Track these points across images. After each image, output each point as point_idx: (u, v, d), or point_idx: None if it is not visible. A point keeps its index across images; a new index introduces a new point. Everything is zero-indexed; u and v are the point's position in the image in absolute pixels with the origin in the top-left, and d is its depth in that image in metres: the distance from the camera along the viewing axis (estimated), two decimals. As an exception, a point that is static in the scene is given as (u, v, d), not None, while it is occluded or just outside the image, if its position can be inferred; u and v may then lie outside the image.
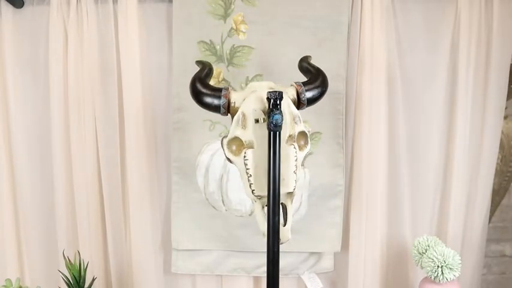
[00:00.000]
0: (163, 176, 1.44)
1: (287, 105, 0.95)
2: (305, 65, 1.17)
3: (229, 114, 1.00)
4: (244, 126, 0.94)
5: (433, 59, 1.37)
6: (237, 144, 0.95)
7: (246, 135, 0.94)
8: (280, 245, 0.95)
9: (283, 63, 1.33)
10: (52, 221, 1.44)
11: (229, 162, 0.99)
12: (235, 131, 0.95)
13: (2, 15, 1.36)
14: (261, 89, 0.96)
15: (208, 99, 0.98)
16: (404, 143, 1.40)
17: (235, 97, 0.98)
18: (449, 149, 1.40)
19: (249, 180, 0.93)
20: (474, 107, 1.37)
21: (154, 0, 1.35)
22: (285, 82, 1.34)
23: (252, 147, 0.93)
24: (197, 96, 1.00)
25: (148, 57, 1.37)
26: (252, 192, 0.94)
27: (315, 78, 1.08)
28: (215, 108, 0.99)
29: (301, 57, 1.21)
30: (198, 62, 1.21)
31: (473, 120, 1.37)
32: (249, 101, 0.95)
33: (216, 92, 0.99)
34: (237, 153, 0.95)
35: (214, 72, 1.35)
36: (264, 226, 0.94)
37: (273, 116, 0.88)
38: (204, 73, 1.09)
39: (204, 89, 1.00)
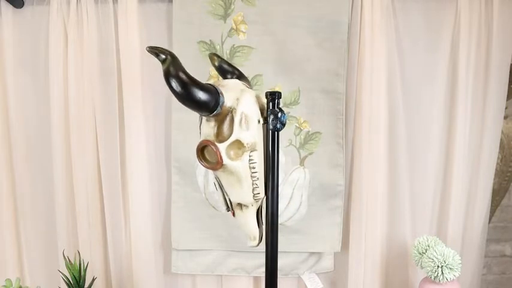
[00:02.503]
0: (163, 176, 1.44)
1: None
2: (225, 64, 1.01)
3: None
4: (247, 128, 0.87)
5: (433, 59, 1.36)
6: (237, 148, 0.87)
7: (249, 136, 0.87)
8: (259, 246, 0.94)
9: (283, 63, 1.33)
10: (52, 221, 1.44)
11: (209, 169, 0.87)
12: (238, 133, 0.86)
13: (2, 15, 1.36)
14: (244, 88, 0.92)
15: (207, 97, 0.81)
16: (404, 143, 1.40)
17: (225, 95, 0.86)
18: (449, 149, 1.40)
19: (253, 184, 0.88)
20: (474, 107, 1.36)
21: (154, 0, 1.35)
22: (285, 82, 1.35)
23: (255, 149, 0.88)
24: (193, 93, 0.79)
25: (149, 57, 1.37)
26: (255, 196, 0.89)
27: (244, 77, 1.01)
28: (211, 108, 0.83)
29: (211, 53, 1.02)
30: (154, 49, 0.82)
31: (473, 120, 1.37)
32: (248, 100, 0.88)
33: (212, 89, 0.83)
34: (237, 157, 0.87)
35: (214, 72, 1.35)
36: (256, 230, 0.93)
37: (283, 116, 0.88)
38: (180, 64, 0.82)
39: (199, 86, 0.80)
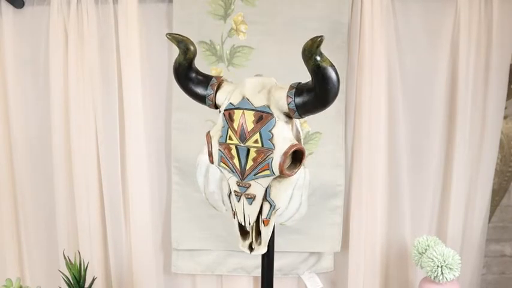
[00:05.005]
0: (163, 176, 1.44)
1: None
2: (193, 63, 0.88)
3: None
4: None
5: (433, 59, 1.37)
6: None
7: None
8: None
9: (283, 63, 1.33)
10: (52, 221, 1.44)
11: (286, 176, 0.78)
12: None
13: (2, 15, 1.36)
14: None
15: None
16: (404, 143, 1.40)
17: None
18: (449, 149, 1.40)
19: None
20: (474, 107, 1.36)
21: (154, 0, 1.35)
22: (285, 82, 1.35)
23: None
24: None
25: (148, 57, 1.38)
26: None
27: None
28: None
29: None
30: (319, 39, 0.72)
31: (473, 120, 1.37)
32: None
33: None
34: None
35: (214, 72, 1.35)
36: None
37: None
38: None
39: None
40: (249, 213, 0.83)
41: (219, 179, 1.37)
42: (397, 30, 1.35)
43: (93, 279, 1.27)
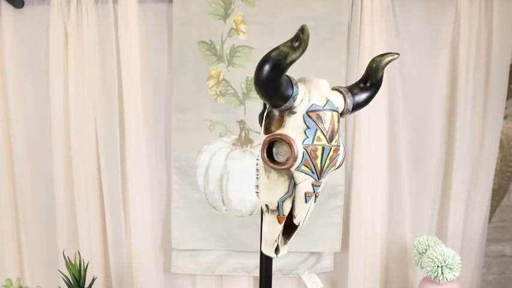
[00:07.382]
0: (163, 176, 1.44)
1: None
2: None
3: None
4: None
5: (433, 59, 1.37)
6: None
7: None
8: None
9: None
10: (52, 221, 1.44)
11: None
12: None
13: (2, 15, 1.36)
14: None
15: None
16: (404, 143, 1.40)
17: None
18: (449, 149, 1.40)
19: None
20: (474, 107, 1.37)
21: (154, 0, 1.35)
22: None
23: None
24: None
25: (149, 57, 1.38)
26: None
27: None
28: None
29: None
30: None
31: (473, 120, 1.37)
32: None
33: None
34: None
35: (214, 72, 1.35)
36: None
37: None
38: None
39: None
40: (310, 211, 0.85)
41: (218, 179, 1.38)
42: (397, 30, 1.35)
43: (93, 279, 1.27)
